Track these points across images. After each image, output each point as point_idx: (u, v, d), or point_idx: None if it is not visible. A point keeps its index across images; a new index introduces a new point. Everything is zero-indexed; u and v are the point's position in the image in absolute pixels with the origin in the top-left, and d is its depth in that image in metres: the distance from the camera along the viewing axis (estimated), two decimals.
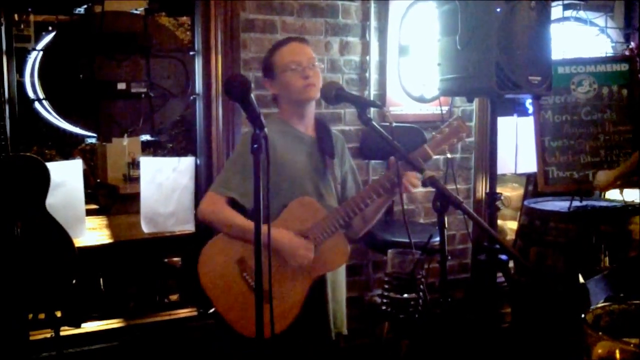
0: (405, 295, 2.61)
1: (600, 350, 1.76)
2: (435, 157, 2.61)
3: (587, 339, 1.79)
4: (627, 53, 4.92)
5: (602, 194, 4.69)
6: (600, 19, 5.07)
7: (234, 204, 2.57)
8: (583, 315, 1.89)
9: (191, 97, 4.08)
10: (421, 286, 2.67)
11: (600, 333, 1.80)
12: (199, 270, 2.55)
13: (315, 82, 2.60)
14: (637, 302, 2.03)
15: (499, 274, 3.79)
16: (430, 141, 2.56)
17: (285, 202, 2.58)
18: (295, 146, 2.67)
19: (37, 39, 5.35)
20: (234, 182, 2.55)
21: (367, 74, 4.27)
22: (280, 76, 2.62)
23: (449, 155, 2.59)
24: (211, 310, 2.60)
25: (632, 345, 1.73)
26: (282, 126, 2.68)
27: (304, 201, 2.59)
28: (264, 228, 2.40)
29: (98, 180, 7.07)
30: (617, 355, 1.73)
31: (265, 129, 1.98)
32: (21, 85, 3.96)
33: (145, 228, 3.99)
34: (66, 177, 3.64)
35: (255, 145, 1.95)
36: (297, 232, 2.54)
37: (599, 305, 2.03)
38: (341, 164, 2.80)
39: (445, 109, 4.34)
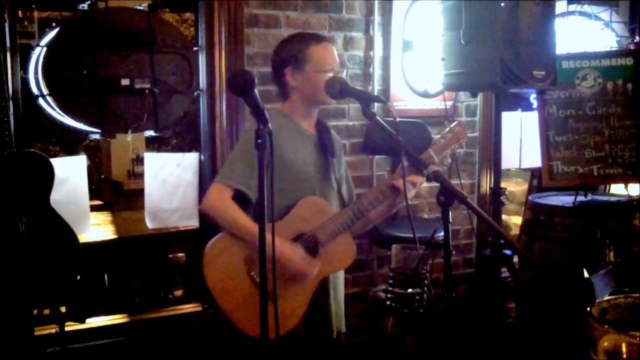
0: (410, 291, 2.60)
1: (606, 344, 1.75)
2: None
3: (593, 333, 1.78)
4: (632, 47, 4.89)
5: (607, 188, 4.69)
6: (605, 13, 5.05)
7: (238, 199, 2.51)
8: (589, 309, 1.88)
9: (195, 93, 4.08)
10: (425, 281, 2.66)
11: (606, 326, 1.79)
12: (204, 270, 2.48)
13: None
14: None
15: (504, 269, 3.78)
16: (434, 146, 2.60)
17: (291, 201, 2.56)
18: (300, 144, 2.64)
19: (41, 36, 5.35)
20: (241, 173, 2.50)
21: (370, 69, 4.26)
22: (312, 73, 2.57)
23: (449, 160, 2.61)
24: (210, 311, 2.54)
25: (638, 339, 1.73)
26: (287, 122, 2.66)
27: (312, 201, 2.58)
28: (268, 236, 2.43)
29: (102, 176, 7.08)
30: (623, 349, 1.72)
31: (269, 125, 1.97)
32: (25, 82, 3.96)
33: (150, 224, 3.99)
34: (70, 173, 3.65)
35: (259, 141, 1.94)
36: (303, 231, 2.53)
37: (605, 298, 2.02)
38: (339, 166, 2.79)
39: (449, 104, 4.34)
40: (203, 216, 4.00)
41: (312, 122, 2.72)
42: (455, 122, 2.73)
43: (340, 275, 2.78)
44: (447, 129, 2.67)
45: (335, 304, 2.72)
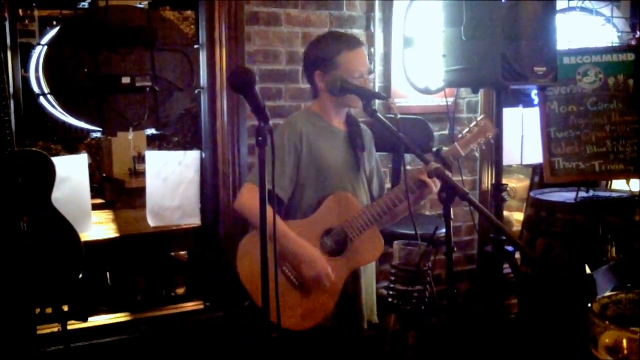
0: (411, 287, 2.61)
1: (607, 340, 1.75)
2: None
3: (594, 329, 1.78)
4: (633, 43, 4.88)
5: (609, 184, 4.68)
6: (606, 9, 5.03)
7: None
8: (589, 305, 1.88)
9: (196, 91, 4.08)
10: (427, 278, 2.67)
11: (606, 322, 1.79)
12: (237, 264, 2.57)
13: None
14: None
15: (505, 265, 3.78)
16: (460, 140, 2.67)
17: (322, 196, 2.64)
18: (331, 140, 2.71)
19: (42, 34, 5.36)
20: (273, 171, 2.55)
21: (372, 66, 4.25)
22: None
23: (476, 154, 2.66)
24: (246, 303, 2.62)
25: (639, 335, 1.73)
26: (317, 120, 2.72)
27: (341, 196, 2.64)
28: (294, 236, 2.53)
29: (104, 175, 7.08)
30: (624, 344, 1.72)
31: (270, 122, 1.98)
32: (26, 80, 3.96)
33: (151, 222, 3.99)
34: (72, 172, 3.65)
35: (260, 138, 1.94)
36: (332, 226, 2.61)
37: (606, 294, 2.02)
38: (369, 159, 2.85)
39: (450, 100, 4.32)
40: (204, 215, 4.02)
41: (341, 119, 2.78)
42: (482, 116, 2.80)
43: (371, 265, 2.84)
44: (474, 122, 2.74)
45: (366, 293, 2.79)
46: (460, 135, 2.71)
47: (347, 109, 2.77)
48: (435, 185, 2.59)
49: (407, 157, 4.12)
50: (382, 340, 3.93)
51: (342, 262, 2.63)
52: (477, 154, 4.57)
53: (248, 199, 2.54)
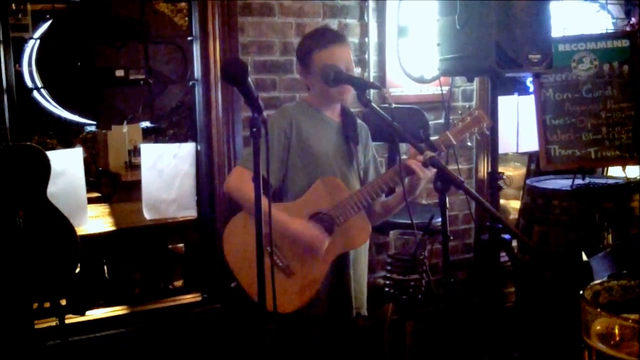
0: (408, 277, 2.61)
1: (598, 327, 1.75)
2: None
3: (586, 316, 1.78)
4: (627, 29, 4.88)
5: (605, 170, 4.68)
6: None
7: None
8: (581, 292, 1.88)
9: (190, 83, 4.07)
10: (424, 267, 2.67)
11: (598, 310, 1.78)
12: (223, 245, 2.60)
13: (350, 88, 2.61)
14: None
15: (503, 254, 3.78)
16: (452, 128, 2.66)
17: (312, 182, 2.64)
18: (322, 129, 2.72)
19: (35, 28, 5.33)
20: (262, 158, 2.56)
21: (366, 56, 4.25)
22: (317, 78, 2.61)
23: (469, 144, 2.66)
24: (233, 284, 2.63)
25: (630, 321, 1.72)
26: (310, 111, 2.74)
27: (329, 181, 2.65)
28: (279, 214, 2.53)
29: (100, 169, 7.06)
30: (616, 331, 1.72)
31: (264, 113, 1.97)
32: (19, 75, 3.95)
33: (147, 215, 3.99)
34: (67, 166, 3.64)
35: (254, 129, 1.94)
36: (319, 210, 2.60)
37: (597, 281, 2.01)
38: (365, 152, 2.86)
39: (445, 89, 4.32)
40: (200, 207, 4.01)
41: (335, 111, 2.78)
42: (477, 106, 2.78)
43: (363, 256, 2.85)
44: (468, 112, 2.73)
45: (356, 283, 2.80)
46: (453, 124, 2.71)
47: (339, 102, 2.76)
48: (429, 171, 2.59)
49: (403, 146, 4.12)
50: (380, 330, 3.94)
51: (329, 245, 2.62)
52: (471, 144, 4.57)
53: (236, 180, 2.59)
